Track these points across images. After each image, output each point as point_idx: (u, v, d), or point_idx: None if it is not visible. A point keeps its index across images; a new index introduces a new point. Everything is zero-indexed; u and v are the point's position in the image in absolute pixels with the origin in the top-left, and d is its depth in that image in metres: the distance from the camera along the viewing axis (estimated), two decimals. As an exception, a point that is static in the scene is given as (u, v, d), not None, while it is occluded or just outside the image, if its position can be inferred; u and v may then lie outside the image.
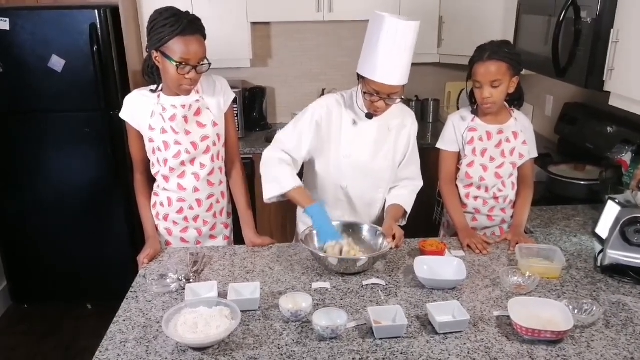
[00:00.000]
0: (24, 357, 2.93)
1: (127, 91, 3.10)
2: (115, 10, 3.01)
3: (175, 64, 1.74)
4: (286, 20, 3.60)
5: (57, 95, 3.00)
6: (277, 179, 1.91)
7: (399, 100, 1.88)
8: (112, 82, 3.04)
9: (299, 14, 3.38)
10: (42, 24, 2.89)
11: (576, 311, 1.50)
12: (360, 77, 1.88)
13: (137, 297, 1.66)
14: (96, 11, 2.90)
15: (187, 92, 1.85)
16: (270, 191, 1.92)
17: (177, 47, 1.72)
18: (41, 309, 3.35)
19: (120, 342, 1.44)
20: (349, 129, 1.97)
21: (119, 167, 3.14)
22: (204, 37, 1.80)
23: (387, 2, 3.31)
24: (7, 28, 2.88)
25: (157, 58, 1.78)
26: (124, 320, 1.53)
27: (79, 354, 2.93)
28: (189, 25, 1.73)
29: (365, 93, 1.86)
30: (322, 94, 3.77)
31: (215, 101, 1.95)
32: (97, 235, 3.26)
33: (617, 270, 1.72)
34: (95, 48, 2.92)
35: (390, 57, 1.77)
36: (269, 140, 3.53)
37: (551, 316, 1.45)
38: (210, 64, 1.82)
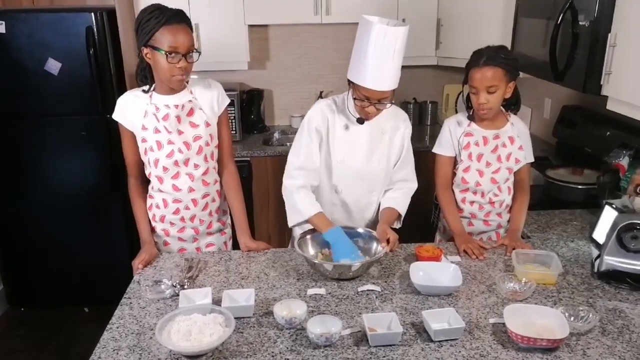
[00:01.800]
0: (22, 361, 2.92)
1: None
2: (111, 13, 3.01)
3: (164, 53, 1.74)
4: (284, 23, 3.60)
5: (54, 99, 2.99)
6: (296, 207, 1.94)
7: (389, 104, 1.87)
8: (109, 85, 3.03)
9: (297, 17, 3.38)
10: (39, 27, 2.88)
11: (572, 318, 1.49)
12: (350, 83, 1.87)
13: (131, 303, 1.65)
14: (92, 14, 2.89)
15: (180, 84, 1.85)
16: (293, 219, 1.97)
17: (164, 37, 1.74)
18: (38, 312, 3.33)
19: (113, 350, 1.43)
20: (341, 133, 1.97)
21: (116, 171, 3.13)
22: (191, 28, 1.82)
23: (384, 5, 3.31)
24: (3, 31, 2.87)
25: (148, 54, 1.79)
26: (117, 327, 1.52)
27: (77, 358, 2.91)
28: (174, 16, 1.76)
29: (355, 99, 1.86)
30: (320, 96, 3.77)
31: (209, 102, 1.95)
32: (94, 238, 3.25)
33: (614, 276, 1.71)
34: (91, 51, 2.91)
35: (380, 64, 1.76)
36: (266, 143, 3.54)
37: (547, 323, 1.44)
38: (200, 52, 1.83)
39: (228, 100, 2.02)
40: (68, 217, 3.20)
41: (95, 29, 2.90)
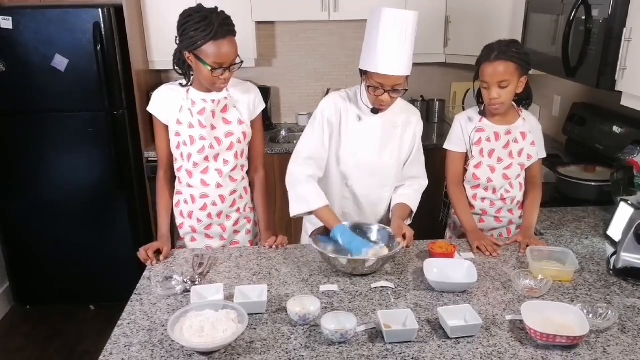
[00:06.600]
0: (28, 359, 2.90)
1: (130, 91, 3.11)
2: (119, 10, 2.99)
3: (209, 68, 1.75)
4: (291, 20, 3.58)
5: (60, 95, 2.98)
6: (304, 197, 1.89)
7: (402, 92, 1.86)
8: (116, 81, 3.01)
9: (304, 14, 3.36)
10: (46, 23, 2.87)
11: (591, 315, 1.46)
12: (363, 73, 1.86)
13: (141, 299, 1.63)
14: (100, 10, 2.88)
15: (221, 90, 1.88)
16: (297, 209, 1.91)
17: (210, 51, 1.73)
18: (43, 310, 3.33)
19: (125, 346, 1.41)
20: (354, 125, 1.95)
21: (122, 167, 3.12)
22: (235, 34, 1.79)
23: (392, 1, 3.28)
24: (11, 27, 2.86)
25: (190, 59, 1.79)
26: (128, 324, 1.50)
27: (82, 356, 2.91)
28: (221, 29, 1.73)
29: (369, 87, 1.85)
30: (327, 94, 3.74)
31: (245, 101, 1.96)
32: (100, 235, 3.24)
33: (631, 273, 1.68)
34: (98, 47, 2.90)
35: (391, 48, 1.76)
36: (273, 141, 3.52)
37: (565, 320, 1.42)
38: (242, 61, 1.83)
39: (263, 106, 2.03)
40: (73, 215, 3.18)
41: (102, 25, 2.89)
